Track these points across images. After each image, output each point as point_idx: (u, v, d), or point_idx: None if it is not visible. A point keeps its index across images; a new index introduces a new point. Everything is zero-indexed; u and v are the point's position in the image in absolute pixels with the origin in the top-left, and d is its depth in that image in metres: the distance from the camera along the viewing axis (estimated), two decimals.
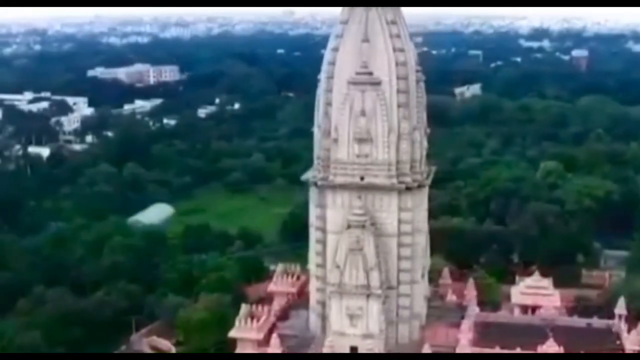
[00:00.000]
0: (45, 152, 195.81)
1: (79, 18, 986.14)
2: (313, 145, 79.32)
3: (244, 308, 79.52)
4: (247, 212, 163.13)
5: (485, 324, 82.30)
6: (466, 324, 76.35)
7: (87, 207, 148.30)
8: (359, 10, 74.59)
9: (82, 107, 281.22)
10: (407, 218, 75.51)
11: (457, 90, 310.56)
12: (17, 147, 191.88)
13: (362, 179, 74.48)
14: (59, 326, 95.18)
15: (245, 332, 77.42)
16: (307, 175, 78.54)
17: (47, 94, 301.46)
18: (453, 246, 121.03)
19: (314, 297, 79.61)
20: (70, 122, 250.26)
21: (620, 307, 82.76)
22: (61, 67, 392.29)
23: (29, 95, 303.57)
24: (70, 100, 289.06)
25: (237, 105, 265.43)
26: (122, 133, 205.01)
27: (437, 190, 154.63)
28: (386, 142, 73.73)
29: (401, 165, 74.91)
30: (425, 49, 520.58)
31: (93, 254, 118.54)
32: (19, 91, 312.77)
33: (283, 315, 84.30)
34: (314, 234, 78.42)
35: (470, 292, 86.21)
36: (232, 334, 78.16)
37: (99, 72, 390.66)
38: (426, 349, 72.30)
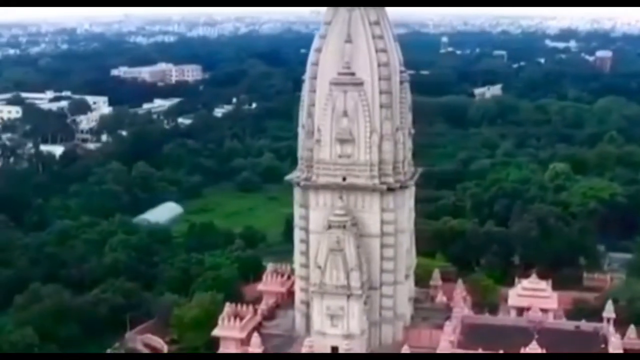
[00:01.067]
0: (59, 150, 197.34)
1: (108, 17, 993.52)
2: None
3: (228, 307, 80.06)
4: (255, 212, 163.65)
5: (471, 326, 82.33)
6: (449, 326, 76.11)
7: (94, 206, 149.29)
8: (343, 11, 74.80)
9: (101, 106, 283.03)
10: (390, 219, 75.60)
11: (477, 91, 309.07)
12: (29, 145, 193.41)
13: (344, 179, 74.74)
14: (54, 322, 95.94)
15: (227, 330, 78.08)
16: (291, 176, 78.89)
17: (68, 93, 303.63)
18: (453, 247, 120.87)
19: (298, 297, 79.97)
20: (88, 121, 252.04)
21: (609, 311, 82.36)
22: (85, 66, 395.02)
23: (50, 94, 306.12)
24: (90, 99, 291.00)
25: (254, 105, 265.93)
26: (135, 132, 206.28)
27: (445, 191, 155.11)
28: (368, 143, 73.88)
29: (383, 166, 75.00)
30: (450, 49, 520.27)
31: (95, 251, 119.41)
32: (42, 90, 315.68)
33: (270, 315, 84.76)
34: (297, 234, 78.85)
35: (459, 293, 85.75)
36: (215, 332, 78.84)
37: (122, 71, 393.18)
38: (405, 350, 72.21)
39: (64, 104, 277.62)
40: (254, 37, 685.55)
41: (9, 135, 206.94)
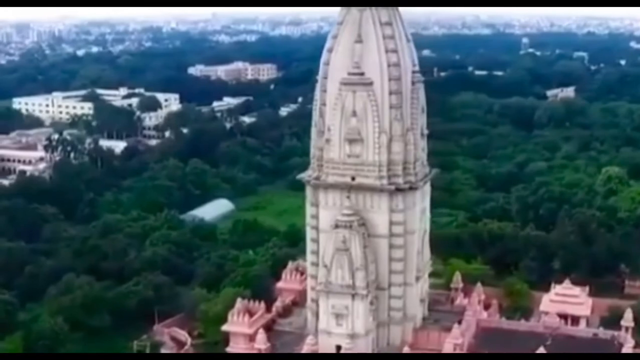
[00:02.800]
0: (120, 146, 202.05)
1: (195, 16, 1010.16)
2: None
3: (239, 303, 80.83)
4: (304, 210, 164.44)
5: (486, 329, 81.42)
6: (457, 328, 75.37)
7: (146, 201, 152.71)
8: (354, 11, 74.63)
9: (172, 104, 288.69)
10: (399, 219, 75.12)
11: (550, 93, 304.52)
12: (89, 140, 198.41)
13: (353, 179, 74.61)
14: (84, 313, 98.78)
15: (237, 326, 78.77)
16: (303, 175, 79.26)
17: (141, 90, 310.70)
18: (492, 250, 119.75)
19: (309, 295, 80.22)
20: (156, 118, 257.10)
21: (627, 319, 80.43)
22: (162, 64, 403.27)
23: (123, 91, 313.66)
24: (162, 96, 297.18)
25: (308, 106, 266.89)
26: (196, 130, 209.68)
27: (497, 193, 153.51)
28: (377, 143, 73.57)
29: (393, 167, 74.57)
30: (530, 50, 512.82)
31: (135, 245, 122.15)
32: (117, 87, 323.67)
33: (285, 312, 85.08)
34: (309, 233, 79.20)
35: (475, 297, 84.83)
36: (225, 327, 79.73)
37: (198, 69, 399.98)
38: (406, 351, 72.00)
39: (134, 100, 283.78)
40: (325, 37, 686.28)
41: (72, 130, 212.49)
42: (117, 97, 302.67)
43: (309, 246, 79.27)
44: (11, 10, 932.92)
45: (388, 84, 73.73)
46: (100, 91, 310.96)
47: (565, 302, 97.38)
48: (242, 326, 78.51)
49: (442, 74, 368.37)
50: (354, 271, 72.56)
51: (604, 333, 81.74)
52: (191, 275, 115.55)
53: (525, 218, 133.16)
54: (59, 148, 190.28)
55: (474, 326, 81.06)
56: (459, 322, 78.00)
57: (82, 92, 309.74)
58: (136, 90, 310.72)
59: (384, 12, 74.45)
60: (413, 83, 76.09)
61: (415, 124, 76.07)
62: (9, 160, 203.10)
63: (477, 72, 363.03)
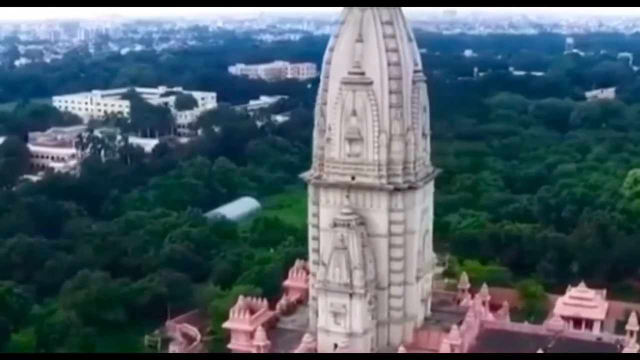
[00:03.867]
0: (151, 143, 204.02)
1: (242, 15, 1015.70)
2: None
3: (241, 300, 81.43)
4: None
5: (489, 331, 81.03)
6: (456, 330, 75.09)
7: (171, 198, 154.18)
8: (356, 11, 74.79)
9: (208, 102, 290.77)
10: (398, 219, 74.98)
11: (589, 94, 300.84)
12: (119, 138, 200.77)
13: (353, 178, 74.69)
14: (97, 307, 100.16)
15: (237, 323, 79.37)
16: (305, 174, 79.57)
17: (179, 89, 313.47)
18: (509, 252, 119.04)
19: (311, 293, 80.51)
20: (190, 117, 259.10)
21: (632, 324, 79.40)
22: (203, 63, 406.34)
23: (162, 89, 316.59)
24: (199, 95, 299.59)
25: None
26: (226, 128, 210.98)
27: (524, 195, 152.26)
28: (376, 143, 73.52)
29: (393, 166, 74.44)
30: (575, 50, 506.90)
31: (155, 242, 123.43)
32: (156, 85, 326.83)
33: (289, 310, 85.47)
34: (311, 232, 79.42)
35: (478, 297, 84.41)
36: (226, 324, 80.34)
37: (239, 68, 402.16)
38: (401, 351, 71.96)
39: (172, 99, 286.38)
40: None
41: (105, 128, 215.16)
42: (155, 95, 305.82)
43: (311, 244, 79.47)
44: (61, 9, 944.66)
45: (388, 83, 73.64)
46: (139, 89, 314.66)
47: (580, 306, 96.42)
48: (242, 323, 79.04)
49: (482, 74, 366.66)
50: (352, 270, 72.61)
51: (608, 337, 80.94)
52: (208, 273, 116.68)
53: (547, 220, 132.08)
54: (89, 145, 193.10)
55: (477, 327, 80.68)
56: (460, 323, 77.87)
57: (122, 91, 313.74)
58: (174, 89, 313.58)
59: (385, 12, 74.47)
60: (414, 82, 75.75)
61: (416, 124, 75.75)
62: (41, 157, 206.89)
63: (517, 73, 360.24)
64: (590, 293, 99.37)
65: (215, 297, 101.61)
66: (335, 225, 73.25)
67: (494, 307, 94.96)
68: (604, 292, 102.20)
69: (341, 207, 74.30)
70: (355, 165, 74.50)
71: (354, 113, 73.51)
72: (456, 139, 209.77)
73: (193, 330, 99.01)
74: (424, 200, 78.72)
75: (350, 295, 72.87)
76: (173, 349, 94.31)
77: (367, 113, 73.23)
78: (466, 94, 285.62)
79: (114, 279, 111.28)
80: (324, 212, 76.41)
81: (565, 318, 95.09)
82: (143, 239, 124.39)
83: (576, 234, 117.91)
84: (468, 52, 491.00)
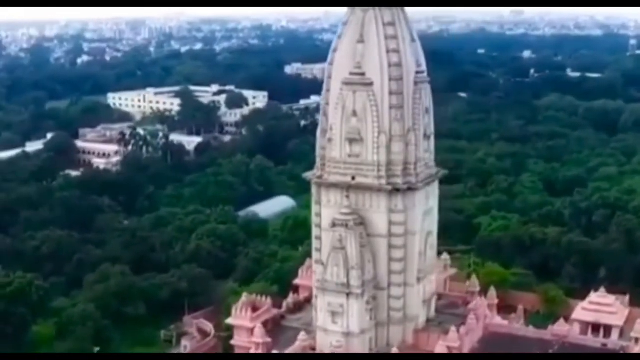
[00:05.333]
0: (194, 141, 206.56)
1: (307, 15, 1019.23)
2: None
3: (244, 297, 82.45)
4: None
5: (494, 334, 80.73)
6: (454, 332, 74.97)
7: (207, 196, 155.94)
8: (358, 12, 75.09)
9: (259, 101, 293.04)
10: (398, 220, 75.08)
11: None
12: (161, 135, 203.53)
13: (353, 178, 75.08)
14: (117, 301, 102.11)
15: (239, 320, 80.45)
16: (308, 174, 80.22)
17: (232, 87, 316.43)
18: (533, 255, 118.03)
19: (314, 292, 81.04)
20: (238, 115, 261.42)
21: (637, 331, 78.33)
22: (260, 62, 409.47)
23: (215, 87, 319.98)
24: (251, 93, 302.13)
25: None
26: (269, 127, 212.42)
27: (563, 198, 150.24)
28: (376, 143, 73.77)
29: (393, 167, 74.56)
30: (638, 52, 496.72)
31: (182, 238, 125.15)
32: (209, 84, 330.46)
33: (295, 308, 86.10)
34: (313, 231, 79.99)
35: (482, 300, 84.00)
36: (229, 320, 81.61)
37: (295, 67, 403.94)
38: (394, 351, 72.16)
39: (223, 97, 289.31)
40: (436, 36, 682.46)
41: (152, 126, 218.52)
42: (208, 93, 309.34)
43: (314, 244, 79.99)
44: (127, 8, 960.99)
45: (388, 84, 73.70)
46: (192, 88, 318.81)
47: (599, 311, 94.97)
48: (244, 320, 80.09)
49: (537, 75, 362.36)
50: (349, 270, 73.00)
51: (614, 343, 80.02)
52: (232, 270, 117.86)
53: (578, 224, 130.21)
54: (132, 142, 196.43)
55: (481, 330, 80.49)
56: (463, 325, 77.68)
57: (175, 89, 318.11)
58: (226, 88, 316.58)
59: (387, 13, 74.55)
60: (416, 84, 75.54)
61: (417, 125, 75.57)
62: (87, 153, 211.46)
63: (573, 74, 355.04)
64: (611, 299, 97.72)
65: (232, 294, 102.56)
66: (334, 225, 73.74)
67: (511, 311, 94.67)
68: (627, 298, 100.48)
69: (342, 207, 74.78)
70: (356, 165, 74.88)
71: (355, 114, 73.91)
72: (501, 141, 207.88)
73: (208, 326, 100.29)
74: (426, 202, 78.58)
75: (348, 295, 73.25)
76: (185, 343, 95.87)
77: (367, 114, 73.55)
78: (518, 95, 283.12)
79: (140, 274, 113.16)
80: (325, 211, 76.96)
81: (584, 324, 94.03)
82: (171, 235, 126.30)
83: (603, 239, 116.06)
84: (527, 53, 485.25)
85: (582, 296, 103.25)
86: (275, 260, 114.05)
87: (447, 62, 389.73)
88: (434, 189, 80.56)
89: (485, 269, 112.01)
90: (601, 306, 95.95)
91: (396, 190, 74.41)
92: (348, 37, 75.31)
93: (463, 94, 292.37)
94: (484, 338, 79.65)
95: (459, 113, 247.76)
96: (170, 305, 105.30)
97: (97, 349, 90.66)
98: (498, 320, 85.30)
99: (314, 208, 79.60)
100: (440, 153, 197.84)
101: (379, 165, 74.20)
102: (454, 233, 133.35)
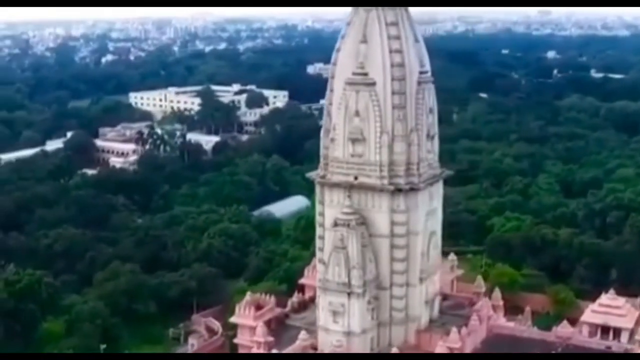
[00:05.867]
0: (213, 140, 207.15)
1: (333, 15, 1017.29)
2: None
3: (248, 296, 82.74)
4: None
5: (498, 335, 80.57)
6: (455, 332, 74.82)
7: (222, 195, 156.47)
8: (361, 12, 75.23)
9: (279, 101, 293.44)
10: (400, 220, 75.00)
11: None
12: (178, 134, 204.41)
13: (356, 178, 75.13)
14: (126, 299, 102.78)
15: (242, 318, 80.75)
16: (312, 173, 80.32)
17: (253, 87, 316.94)
18: (544, 257, 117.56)
19: (318, 292, 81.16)
20: (257, 115, 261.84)
21: None
22: (282, 62, 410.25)
23: (236, 87, 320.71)
24: (272, 93, 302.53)
25: None
26: (287, 127, 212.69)
27: (579, 199, 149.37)
28: (378, 143, 73.78)
29: (395, 167, 74.51)
30: None
31: (194, 237, 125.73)
32: (232, 83, 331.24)
33: (300, 307, 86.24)
34: (317, 230, 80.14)
35: (486, 301, 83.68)
36: (232, 319, 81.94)
37: (317, 67, 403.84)
38: (393, 351, 72.17)
39: (243, 97, 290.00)
40: (461, 36, 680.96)
41: (172, 125, 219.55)
42: (229, 93, 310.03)
43: (317, 243, 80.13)
44: (153, 8, 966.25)
45: (391, 84, 73.68)
46: (214, 87, 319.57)
47: (608, 313, 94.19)
48: (247, 319, 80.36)
49: (560, 75, 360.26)
50: (350, 269, 73.02)
51: (618, 346, 79.54)
52: (243, 269, 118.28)
53: (592, 225, 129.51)
54: (149, 141, 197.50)
55: (485, 331, 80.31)
56: (465, 326, 77.54)
57: (197, 88, 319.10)
58: (247, 87, 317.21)
59: (390, 13, 74.56)
60: (419, 84, 75.51)
61: (420, 125, 75.47)
62: (106, 151, 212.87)
63: (596, 75, 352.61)
64: (620, 301, 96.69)
65: (240, 292, 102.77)
66: (335, 224, 73.83)
67: (520, 312, 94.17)
68: (638, 300, 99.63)
69: (344, 206, 74.85)
70: (358, 165, 74.89)
71: (357, 113, 73.94)
72: (520, 141, 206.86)
73: (216, 325, 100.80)
74: (429, 202, 78.39)
75: (349, 295, 73.24)
76: (192, 341, 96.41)
77: (370, 113, 73.56)
78: (539, 95, 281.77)
79: (151, 272, 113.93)
80: (328, 211, 77.01)
81: (593, 326, 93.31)
82: (183, 234, 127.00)
83: (615, 240, 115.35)
84: (551, 54, 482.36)
85: (593, 298, 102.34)
86: (286, 259, 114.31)
87: (470, 62, 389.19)
88: (438, 189, 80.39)
89: (495, 269, 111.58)
90: (610, 308, 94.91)
91: (398, 190, 74.35)
92: (351, 37, 75.43)
93: (484, 95, 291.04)
94: (488, 339, 79.46)
95: (479, 114, 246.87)
96: (180, 304, 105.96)
97: (103, 347, 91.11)
98: (502, 321, 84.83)
99: (318, 207, 79.70)
100: (457, 153, 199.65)
101: (381, 165, 74.17)
102: (467, 233, 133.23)
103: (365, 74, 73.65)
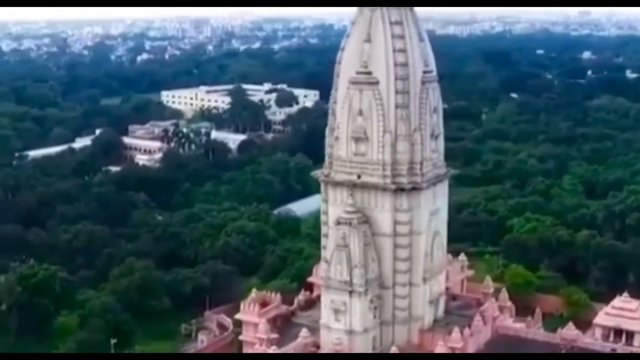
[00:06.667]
0: (239, 139, 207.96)
1: None
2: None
3: (253, 293, 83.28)
4: None
5: (503, 336, 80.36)
6: (457, 333, 74.73)
7: (243, 193, 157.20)
8: (366, 11, 75.36)
9: (309, 100, 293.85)
10: (403, 219, 74.99)
11: None
12: (203, 132, 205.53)
13: (359, 177, 75.34)
14: (139, 295, 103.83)
15: (247, 315, 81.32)
16: (316, 172, 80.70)
17: (284, 86, 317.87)
18: (560, 258, 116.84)
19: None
20: (285, 114, 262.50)
21: None
22: (316, 61, 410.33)
23: (267, 86, 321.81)
24: (303, 92, 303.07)
25: (446, 105, 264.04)
26: (312, 125, 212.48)
27: (595, 201, 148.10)
28: (381, 142, 73.89)
29: (398, 166, 74.54)
30: None
31: (212, 235, 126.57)
32: (264, 82, 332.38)
33: (307, 305, 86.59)
34: (322, 229, 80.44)
35: (492, 302, 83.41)
36: (237, 316, 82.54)
37: None
38: (392, 351, 72.26)
39: (274, 96, 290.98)
40: (498, 36, 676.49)
41: (198, 123, 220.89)
42: (260, 92, 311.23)
43: (322, 242, 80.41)
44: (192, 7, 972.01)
45: (394, 83, 73.75)
46: (245, 86, 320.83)
47: (621, 316, 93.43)
48: (251, 315, 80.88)
49: (594, 76, 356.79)
50: (352, 268, 73.24)
51: (623, 348, 78.91)
52: (259, 266, 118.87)
53: (612, 227, 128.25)
54: (174, 139, 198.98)
55: (489, 331, 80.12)
56: (469, 326, 77.38)
57: (229, 87, 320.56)
58: (278, 86, 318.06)
59: (394, 12, 74.57)
60: (423, 83, 75.43)
61: (423, 124, 75.39)
62: (133, 149, 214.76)
63: (631, 75, 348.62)
64: (634, 304, 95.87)
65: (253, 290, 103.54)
66: (338, 223, 74.10)
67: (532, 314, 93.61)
68: None
69: (347, 205, 75.09)
70: (361, 164, 75.08)
71: (360, 112, 74.16)
72: (547, 142, 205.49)
73: (227, 321, 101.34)
74: (433, 201, 78.20)
75: (350, 293, 73.45)
76: (201, 337, 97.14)
77: (373, 113, 73.71)
78: (570, 96, 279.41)
79: (168, 269, 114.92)
80: (332, 209, 77.34)
81: (606, 328, 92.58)
82: (201, 232, 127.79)
83: (633, 242, 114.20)
84: (587, 54, 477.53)
85: (608, 300, 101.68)
86: (300, 257, 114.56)
87: (503, 62, 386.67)
88: (443, 189, 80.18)
89: (509, 270, 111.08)
90: (624, 311, 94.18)
91: (401, 189, 74.39)
92: (355, 36, 75.59)
93: (515, 95, 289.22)
94: (492, 340, 79.24)
95: (508, 114, 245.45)
96: (193, 300, 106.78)
97: (114, 341, 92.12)
98: (509, 322, 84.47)
99: (322, 206, 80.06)
100: (483, 153, 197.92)
101: (383, 164, 74.26)
102: (486, 234, 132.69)
103: (369, 73, 73.80)
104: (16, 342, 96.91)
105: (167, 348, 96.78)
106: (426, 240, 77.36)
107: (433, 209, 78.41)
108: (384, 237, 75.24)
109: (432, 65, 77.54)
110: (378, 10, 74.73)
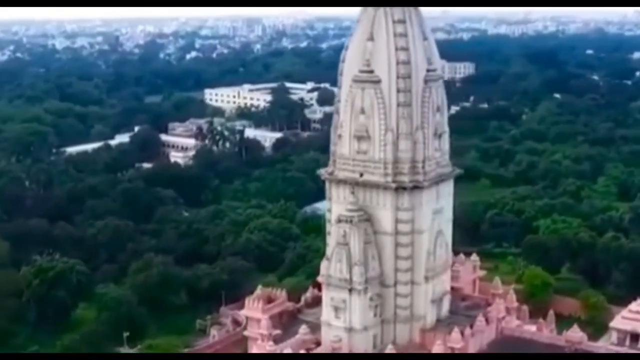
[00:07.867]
0: (274, 137, 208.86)
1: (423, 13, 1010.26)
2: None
3: (259, 290, 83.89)
4: None
5: (507, 337, 79.89)
6: (456, 333, 74.51)
7: (273, 191, 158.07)
8: (370, 10, 75.54)
9: None
10: (405, 218, 74.94)
11: None
12: (237, 129, 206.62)
13: (361, 175, 75.55)
14: (157, 289, 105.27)
15: (251, 311, 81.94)
16: (321, 170, 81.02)
17: (327, 85, 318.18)
18: (581, 261, 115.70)
19: None
20: (321, 112, 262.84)
21: None
22: None
23: (310, 85, 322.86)
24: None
25: (485, 105, 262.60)
26: None
27: (625, 203, 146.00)
28: (383, 141, 73.99)
29: (400, 165, 74.50)
30: None
31: (235, 231, 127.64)
32: (307, 81, 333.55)
33: (314, 302, 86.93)
34: (327, 227, 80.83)
35: (498, 302, 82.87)
36: (242, 312, 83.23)
37: None
38: (389, 349, 72.31)
39: (315, 94, 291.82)
40: (550, 36, 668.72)
41: (233, 121, 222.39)
42: (302, 90, 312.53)
43: (326, 239, 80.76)
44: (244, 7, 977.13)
45: (396, 82, 73.74)
46: (288, 84, 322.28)
47: (637, 320, 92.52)
48: (255, 312, 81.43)
49: None
50: (352, 266, 73.47)
51: (628, 351, 78.10)
52: (279, 264, 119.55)
53: (638, 230, 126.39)
54: (208, 137, 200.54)
55: (494, 332, 79.73)
56: (471, 326, 77.10)
57: (272, 85, 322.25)
58: (321, 85, 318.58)
59: (397, 10, 74.55)
60: (426, 82, 75.26)
61: (426, 123, 75.20)
62: (169, 146, 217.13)
63: None
64: None
65: (269, 286, 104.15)
66: (339, 220, 74.39)
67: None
68: None
69: (348, 203, 75.37)
70: (363, 162, 75.20)
71: (362, 111, 74.32)
72: (585, 143, 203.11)
73: (242, 317, 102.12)
74: (436, 201, 77.92)
75: (350, 291, 73.65)
76: (213, 332, 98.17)
77: (375, 111, 73.82)
78: (614, 97, 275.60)
79: (189, 265, 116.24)
80: (335, 207, 77.58)
81: (622, 332, 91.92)
82: (225, 228, 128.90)
83: None
84: (637, 55, 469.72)
85: (627, 304, 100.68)
86: (318, 255, 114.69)
87: (550, 62, 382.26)
88: (447, 188, 79.69)
89: (528, 272, 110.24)
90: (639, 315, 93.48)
91: (402, 188, 74.37)
92: (358, 34, 75.84)
93: (557, 95, 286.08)
94: (495, 340, 78.77)
95: (548, 114, 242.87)
96: (211, 296, 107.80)
97: (126, 334, 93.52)
98: (515, 323, 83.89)
99: (326, 204, 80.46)
100: (518, 154, 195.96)
101: (385, 162, 74.27)
102: (510, 235, 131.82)
103: (371, 72, 73.93)
104: (33, 334, 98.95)
105: (180, 343, 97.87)
106: (429, 239, 77.15)
107: (436, 208, 78.14)
108: (386, 235, 75.24)
109: (436, 64, 77.24)
110: (381, 9, 74.76)
